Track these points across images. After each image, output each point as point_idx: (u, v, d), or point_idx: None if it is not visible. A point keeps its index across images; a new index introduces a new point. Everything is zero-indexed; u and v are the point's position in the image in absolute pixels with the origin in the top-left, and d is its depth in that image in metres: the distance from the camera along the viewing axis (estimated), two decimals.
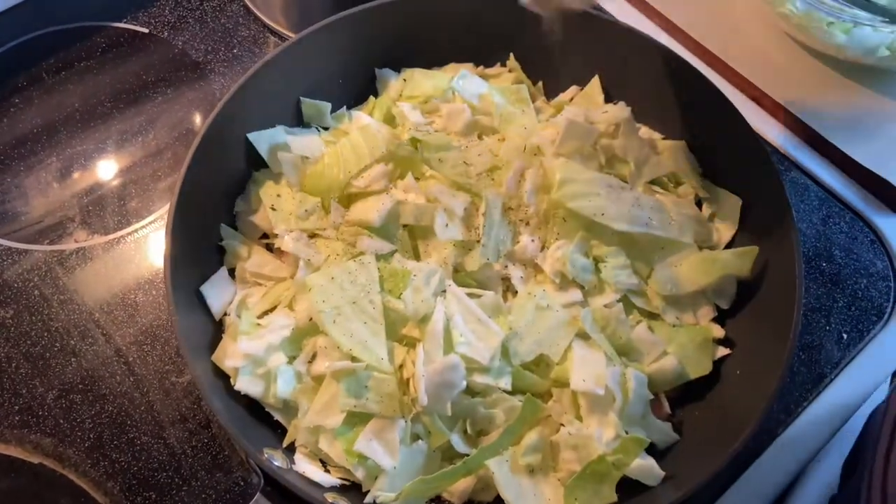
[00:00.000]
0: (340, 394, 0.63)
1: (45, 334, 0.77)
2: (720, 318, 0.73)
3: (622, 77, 0.84)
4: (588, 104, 0.84)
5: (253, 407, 0.67)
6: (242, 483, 0.70)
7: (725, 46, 0.97)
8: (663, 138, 0.83)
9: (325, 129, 0.83)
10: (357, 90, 0.85)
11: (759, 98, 0.94)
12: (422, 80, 0.84)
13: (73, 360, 0.76)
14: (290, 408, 0.67)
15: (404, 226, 0.73)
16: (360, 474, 0.64)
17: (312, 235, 0.74)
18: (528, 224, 0.74)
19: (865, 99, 0.93)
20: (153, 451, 0.71)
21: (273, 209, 0.74)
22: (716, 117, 0.78)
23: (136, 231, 0.84)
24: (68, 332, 0.77)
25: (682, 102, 0.81)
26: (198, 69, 0.96)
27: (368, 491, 0.63)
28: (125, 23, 1.01)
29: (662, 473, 0.64)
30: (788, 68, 0.96)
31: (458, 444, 0.65)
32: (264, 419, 0.67)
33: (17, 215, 0.84)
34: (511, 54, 0.87)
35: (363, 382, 0.64)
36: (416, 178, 0.75)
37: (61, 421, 0.72)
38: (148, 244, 0.83)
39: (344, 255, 0.71)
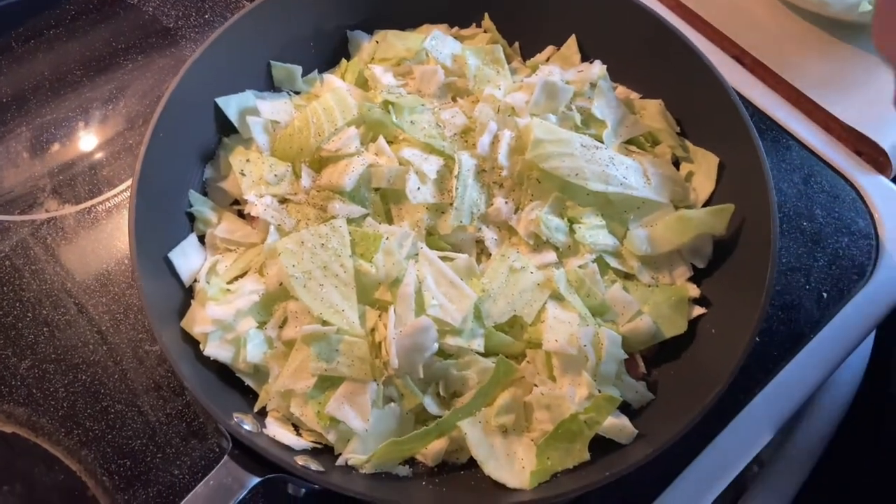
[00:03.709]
0: (311, 358, 0.63)
1: (17, 304, 0.76)
2: (696, 277, 0.73)
3: (599, 36, 0.83)
4: (564, 64, 0.83)
5: (223, 373, 0.67)
6: (217, 449, 0.70)
7: (705, 3, 0.96)
8: (640, 97, 0.82)
9: (297, 93, 0.81)
10: (329, 53, 0.84)
11: (740, 56, 0.93)
12: (394, 42, 0.82)
13: (45, 329, 0.75)
14: (260, 373, 0.67)
15: (376, 189, 0.72)
16: (331, 437, 0.63)
17: (283, 201, 0.73)
18: (501, 186, 0.73)
19: (848, 56, 0.92)
20: (127, 419, 0.71)
21: (243, 174, 0.73)
22: (691, 75, 0.77)
23: (107, 200, 0.83)
24: (40, 301, 0.77)
25: (659, 61, 0.79)
26: (168, 35, 0.94)
27: (340, 454, 0.63)
28: None
29: (635, 432, 0.63)
30: (769, 25, 0.95)
31: (431, 406, 0.65)
32: (235, 385, 0.67)
33: None
34: (486, 14, 0.85)
35: (334, 346, 0.64)
36: (389, 142, 0.74)
37: (34, 390, 0.72)
38: (120, 213, 0.82)
39: (315, 220, 0.70)
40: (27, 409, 0.71)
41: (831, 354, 0.77)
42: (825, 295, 0.80)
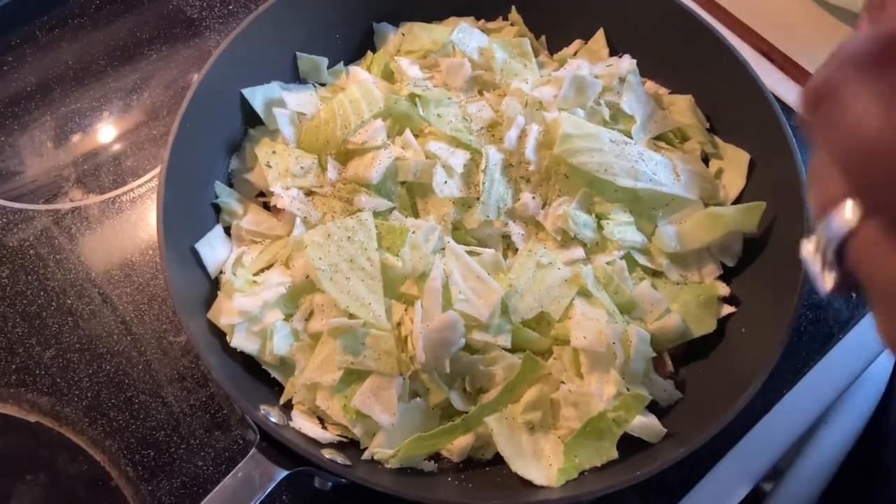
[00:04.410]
0: (338, 351, 0.63)
1: (42, 294, 0.76)
2: (726, 275, 0.72)
3: (627, 30, 0.82)
4: (592, 58, 0.82)
5: (250, 365, 0.66)
6: (241, 441, 0.70)
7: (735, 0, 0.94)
8: (669, 93, 0.81)
9: (322, 84, 0.81)
10: (354, 45, 0.83)
11: (770, 52, 0.92)
12: (420, 35, 0.82)
13: (69, 319, 0.75)
14: (286, 365, 0.67)
15: (402, 183, 0.71)
16: (357, 431, 0.63)
17: (309, 193, 0.72)
18: (529, 181, 0.72)
19: None
20: (151, 409, 0.71)
21: (269, 166, 0.72)
22: (723, 71, 0.76)
23: (132, 190, 0.83)
24: (65, 291, 0.77)
25: (688, 56, 0.78)
26: (192, 26, 0.94)
27: (366, 448, 0.63)
28: None
29: (664, 430, 0.63)
30: (800, 22, 0.93)
31: (457, 401, 0.64)
32: (261, 377, 0.67)
33: (11, 174, 0.83)
34: (513, 7, 0.85)
35: (361, 339, 0.63)
36: (415, 135, 0.74)
37: (58, 380, 0.72)
38: (144, 203, 0.82)
39: (341, 213, 0.70)
40: (51, 398, 0.71)
41: (860, 355, 0.76)
42: (854, 295, 0.79)
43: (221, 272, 0.70)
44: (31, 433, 0.70)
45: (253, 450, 0.57)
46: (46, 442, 0.70)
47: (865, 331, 0.77)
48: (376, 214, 0.69)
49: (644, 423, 0.62)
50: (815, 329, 0.77)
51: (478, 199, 0.70)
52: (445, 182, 0.70)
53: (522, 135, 0.73)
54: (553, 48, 0.86)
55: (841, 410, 0.82)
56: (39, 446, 0.70)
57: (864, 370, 0.76)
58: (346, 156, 0.73)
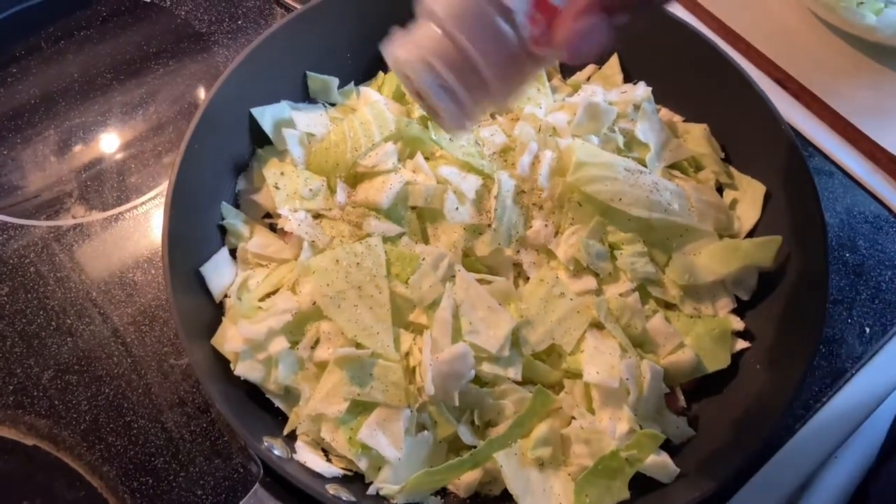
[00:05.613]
0: (344, 381, 0.61)
1: (41, 312, 0.75)
2: (740, 309, 0.70)
3: (642, 56, 0.81)
4: (606, 83, 0.81)
5: (253, 393, 0.65)
6: (242, 470, 0.68)
7: (750, 26, 0.94)
8: (684, 121, 0.80)
9: (332, 105, 0.80)
10: (365, 65, 0.82)
11: (784, 81, 0.91)
12: None
13: (69, 339, 0.73)
14: (291, 395, 0.65)
15: (413, 208, 0.70)
16: (363, 465, 0.61)
17: (317, 216, 0.71)
18: (541, 208, 0.71)
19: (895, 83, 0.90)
20: (150, 435, 0.69)
21: (276, 188, 0.71)
22: (739, 100, 0.75)
23: (135, 207, 0.81)
24: (64, 310, 0.75)
25: (703, 84, 0.77)
26: (201, 41, 0.93)
27: (371, 482, 0.61)
28: None
29: (677, 470, 0.61)
30: (815, 50, 0.93)
31: (466, 435, 0.63)
32: (265, 405, 0.65)
33: (12, 189, 0.82)
34: None
35: (368, 370, 0.62)
36: (426, 158, 0.72)
37: (56, 402, 0.70)
38: (147, 221, 0.80)
39: (350, 237, 0.69)
40: (49, 421, 0.70)
41: (874, 391, 0.75)
42: (868, 330, 0.78)
43: (226, 296, 0.69)
44: (28, 457, 0.68)
45: (256, 485, 0.55)
46: (43, 466, 0.68)
47: (878, 368, 0.76)
48: (385, 240, 0.67)
49: (657, 462, 0.61)
50: (829, 364, 0.75)
51: (489, 225, 0.69)
52: (457, 208, 0.69)
53: (535, 161, 0.72)
54: (566, 72, 0.85)
55: (852, 445, 0.81)
56: (37, 471, 0.68)
57: (877, 406, 0.75)
58: (355, 179, 0.72)
